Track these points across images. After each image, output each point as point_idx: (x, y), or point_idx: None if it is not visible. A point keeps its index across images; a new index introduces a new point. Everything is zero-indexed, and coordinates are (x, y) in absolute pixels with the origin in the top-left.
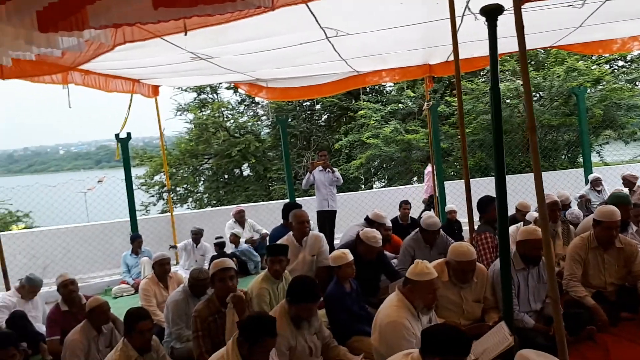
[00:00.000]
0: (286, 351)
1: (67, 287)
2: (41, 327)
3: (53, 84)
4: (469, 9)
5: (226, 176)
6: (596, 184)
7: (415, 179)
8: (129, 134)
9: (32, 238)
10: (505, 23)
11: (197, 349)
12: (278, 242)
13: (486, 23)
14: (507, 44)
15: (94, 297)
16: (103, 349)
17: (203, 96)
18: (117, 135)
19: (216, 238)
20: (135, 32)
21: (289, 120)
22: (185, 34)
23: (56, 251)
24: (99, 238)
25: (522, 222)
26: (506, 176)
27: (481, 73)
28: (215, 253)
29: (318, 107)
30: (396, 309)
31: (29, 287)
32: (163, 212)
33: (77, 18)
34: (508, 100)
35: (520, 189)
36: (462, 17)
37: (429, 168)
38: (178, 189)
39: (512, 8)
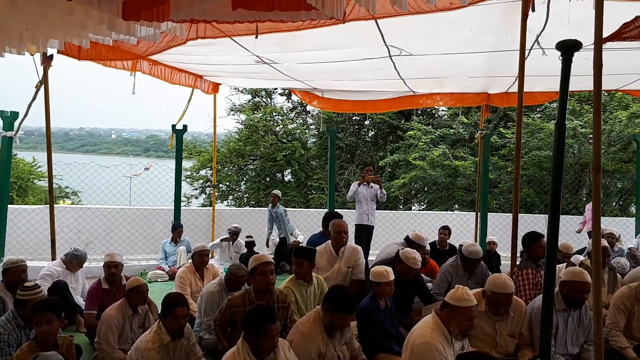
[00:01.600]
0: (315, 356)
1: (111, 269)
2: (79, 300)
3: (123, 70)
4: (539, 42)
5: (268, 179)
6: None
7: (456, 205)
8: (185, 126)
9: (79, 213)
10: (574, 60)
11: (219, 339)
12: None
13: (561, 58)
14: (571, 82)
15: (134, 277)
16: (136, 328)
17: (257, 99)
18: (173, 126)
19: (247, 237)
20: (208, 29)
21: (338, 132)
22: (256, 37)
23: (100, 229)
24: (142, 222)
25: (564, 264)
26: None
27: (538, 109)
28: (245, 251)
29: (367, 122)
30: (431, 330)
31: (76, 261)
32: (203, 205)
33: (159, 10)
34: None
35: (564, 231)
36: (530, 50)
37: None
38: (221, 185)
39: (590, 46)
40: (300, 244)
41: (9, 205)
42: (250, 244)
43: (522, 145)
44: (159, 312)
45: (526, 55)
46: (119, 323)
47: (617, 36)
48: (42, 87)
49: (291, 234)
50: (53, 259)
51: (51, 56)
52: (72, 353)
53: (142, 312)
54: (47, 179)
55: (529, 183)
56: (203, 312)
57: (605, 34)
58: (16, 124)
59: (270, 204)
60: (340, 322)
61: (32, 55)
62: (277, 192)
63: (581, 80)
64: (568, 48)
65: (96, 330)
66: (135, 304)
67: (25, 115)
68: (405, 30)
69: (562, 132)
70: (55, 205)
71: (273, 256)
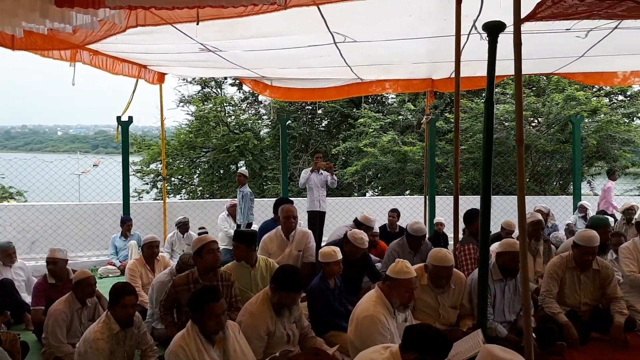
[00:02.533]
0: (264, 335)
1: (49, 265)
2: (25, 297)
3: (61, 60)
4: (476, 27)
5: (222, 171)
6: (583, 209)
7: (407, 191)
8: (130, 118)
9: (23, 211)
10: (511, 44)
11: (163, 317)
12: (266, 235)
13: (487, 39)
14: (512, 66)
15: (81, 270)
16: (86, 322)
17: (207, 90)
18: (118, 118)
19: (199, 229)
20: (148, 16)
21: (290, 121)
22: (197, 24)
23: (46, 227)
24: (90, 218)
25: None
26: (497, 196)
27: (482, 94)
28: None
29: (320, 111)
30: (374, 304)
31: (1, 254)
32: (155, 200)
33: None
34: (507, 123)
35: (509, 210)
36: (468, 36)
37: (609, 184)
38: (173, 179)
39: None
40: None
41: None
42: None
43: (467, 129)
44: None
45: (465, 40)
46: (66, 317)
47: (532, 16)
48: None
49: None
50: None
51: None
52: (16, 348)
53: (91, 305)
54: None
55: (475, 165)
56: (155, 302)
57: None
58: None
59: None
60: (287, 300)
61: None
62: (244, 170)
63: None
64: (493, 29)
65: (43, 326)
66: (83, 296)
67: None
68: (348, 16)
69: (490, 109)
70: None
71: None
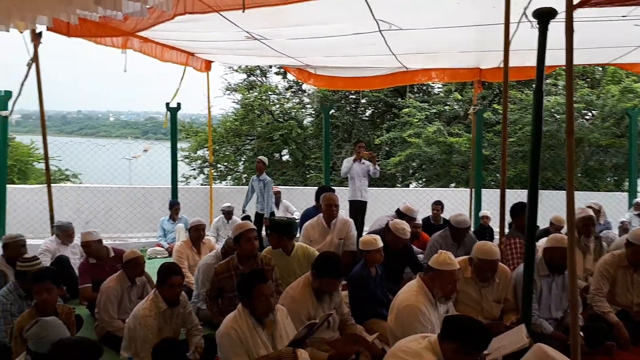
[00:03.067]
0: (305, 320)
1: (90, 247)
2: None
3: (113, 47)
4: (526, 15)
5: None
6: (638, 206)
7: (453, 184)
8: (179, 104)
9: (78, 192)
10: (563, 32)
11: (209, 307)
12: (307, 222)
13: (537, 26)
14: (563, 56)
15: (131, 250)
16: (135, 299)
17: (252, 78)
18: (167, 105)
19: (242, 212)
20: (196, 4)
21: (333, 110)
22: (243, 11)
23: (99, 208)
24: (140, 201)
25: None
26: (546, 191)
27: (532, 85)
28: None
29: (363, 101)
30: (415, 294)
31: (62, 233)
32: (202, 185)
33: None
34: (558, 116)
35: (559, 206)
36: (518, 24)
37: None
38: (219, 165)
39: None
40: (296, 221)
41: (8, 185)
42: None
43: (516, 121)
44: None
45: (515, 28)
46: (117, 294)
47: (586, 2)
48: (34, 65)
49: (287, 210)
50: (52, 235)
51: (40, 33)
52: (71, 320)
53: (139, 283)
54: (44, 162)
55: (524, 158)
56: (200, 283)
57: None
58: (10, 103)
59: (257, 172)
60: (328, 287)
61: (22, 32)
62: (263, 157)
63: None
64: (544, 15)
65: (96, 301)
66: (133, 275)
67: (19, 94)
68: (394, 3)
69: (539, 99)
70: (54, 185)
71: None
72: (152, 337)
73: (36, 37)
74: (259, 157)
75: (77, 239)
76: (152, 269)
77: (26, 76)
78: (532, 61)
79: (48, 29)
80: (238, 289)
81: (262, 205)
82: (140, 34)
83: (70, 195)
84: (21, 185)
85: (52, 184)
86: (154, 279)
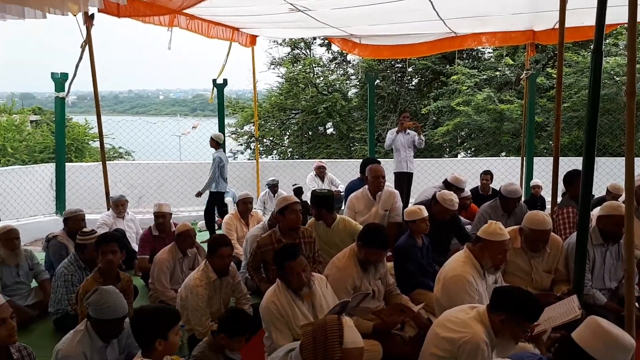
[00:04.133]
0: (350, 290)
1: (158, 219)
2: (135, 247)
3: (160, 26)
4: None
5: (310, 132)
6: None
7: (503, 152)
8: (225, 80)
9: (131, 169)
10: None
11: (252, 277)
12: (352, 194)
13: None
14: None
15: (183, 223)
16: (186, 270)
17: (296, 51)
18: (214, 81)
19: (293, 185)
20: None
21: (379, 80)
22: None
23: (151, 183)
24: (190, 175)
25: None
26: (603, 158)
27: (590, 45)
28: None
29: (410, 69)
30: (462, 264)
31: (114, 203)
32: (249, 160)
33: None
34: (617, 78)
35: (616, 174)
36: None
37: None
38: (265, 140)
39: None
40: (341, 194)
41: (66, 164)
42: (297, 191)
43: (572, 85)
44: (206, 253)
45: None
46: (170, 265)
47: None
48: (87, 46)
49: (332, 183)
50: (108, 209)
51: (92, 15)
52: (130, 288)
53: (191, 255)
54: (99, 140)
55: (579, 124)
56: (248, 254)
57: None
58: (66, 84)
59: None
60: (374, 257)
61: (75, 15)
62: (217, 134)
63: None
64: None
65: (150, 272)
66: (184, 247)
67: (74, 75)
68: None
69: (598, 62)
70: (109, 163)
71: None
72: (203, 306)
73: (89, 19)
74: (212, 134)
75: (131, 213)
76: (202, 241)
77: (80, 58)
78: (589, 20)
79: (99, 10)
80: (275, 263)
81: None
82: (187, 11)
83: (124, 172)
84: (78, 164)
85: (106, 162)
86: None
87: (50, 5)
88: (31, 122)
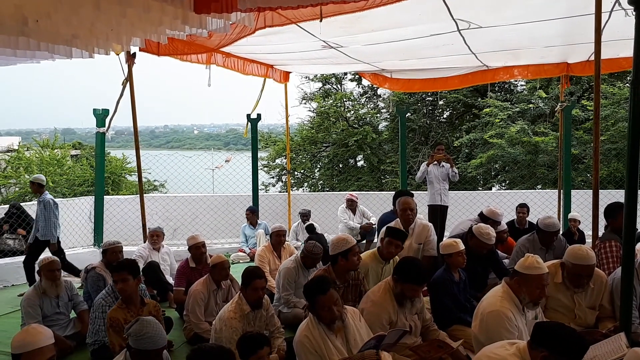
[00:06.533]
0: (386, 325)
1: (200, 249)
2: (169, 279)
3: (198, 64)
4: (619, 3)
5: (341, 165)
6: None
7: (539, 185)
8: (259, 115)
9: (167, 202)
10: None
11: None
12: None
13: (634, 13)
14: None
15: (217, 255)
16: (220, 302)
17: (327, 86)
18: (248, 116)
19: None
20: (275, 17)
21: (409, 114)
22: (321, 21)
23: (186, 216)
24: (223, 208)
25: None
26: None
27: (627, 77)
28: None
29: (441, 102)
30: (500, 299)
31: (150, 234)
32: (280, 192)
33: (228, 1)
34: None
35: None
36: (611, 12)
37: None
38: (296, 173)
39: None
40: (373, 227)
41: (104, 196)
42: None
43: (608, 117)
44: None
45: (606, 18)
46: (204, 297)
47: None
48: (128, 84)
49: (363, 216)
50: (145, 242)
51: (134, 54)
52: (159, 315)
53: (225, 287)
54: (137, 174)
55: (618, 156)
56: (281, 287)
57: None
58: (107, 120)
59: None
60: (410, 292)
61: (118, 54)
62: (37, 176)
63: None
64: None
65: (184, 304)
66: (219, 279)
67: (115, 111)
68: (473, 2)
69: (637, 93)
70: (145, 195)
71: None
72: (237, 339)
73: (130, 58)
74: (32, 177)
75: (166, 246)
76: (235, 273)
77: (121, 94)
78: (625, 52)
79: (140, 49)
80: (305, 296)
81: (44, 230)
82: (224, 49)
83: (159, 204)
84: (116, 196)
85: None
86: (238, 281)
87: (96, 45)
88: (71, 156)
